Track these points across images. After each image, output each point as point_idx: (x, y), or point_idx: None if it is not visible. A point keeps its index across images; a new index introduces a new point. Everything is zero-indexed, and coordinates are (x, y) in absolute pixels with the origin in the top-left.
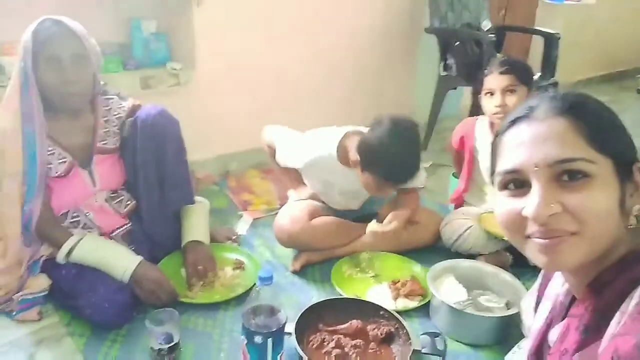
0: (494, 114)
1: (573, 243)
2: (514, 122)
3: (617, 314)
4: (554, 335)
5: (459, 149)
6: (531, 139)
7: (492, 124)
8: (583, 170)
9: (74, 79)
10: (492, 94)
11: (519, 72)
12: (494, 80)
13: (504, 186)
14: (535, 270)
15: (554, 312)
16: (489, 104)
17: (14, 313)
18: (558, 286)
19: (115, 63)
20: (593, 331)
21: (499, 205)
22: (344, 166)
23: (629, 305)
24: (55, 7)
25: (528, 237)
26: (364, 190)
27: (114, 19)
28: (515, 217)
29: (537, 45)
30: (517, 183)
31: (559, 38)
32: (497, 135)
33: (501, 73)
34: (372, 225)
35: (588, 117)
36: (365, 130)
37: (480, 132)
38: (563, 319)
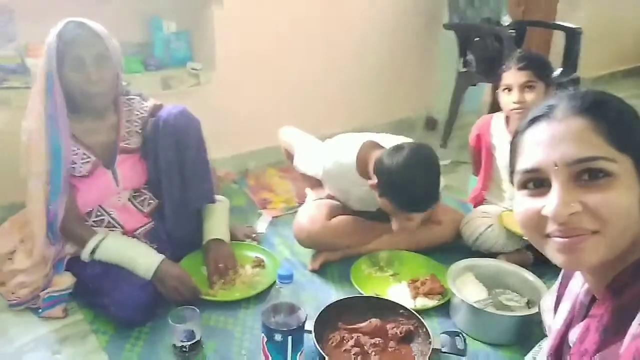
0: (512, 109)
1: (593, 242)
2: (533, 121)
3: (638, 315)
4: (573, 335)
5: (476, 146)
6: (550, 138)
7: (508, 120)
8: (603, 169)
9: (97, 80)
10: (510, 89)
11: (537, 68)
12: (512, 76)
13: (523, 185)
14: (557, 269)
15: (574, 312)
16: (507, 99)
17: (40, 310)
18: (578, 286)
19: (136, 63)
20: (613, 332)
21: (518, 205)
22: (362, 178)
23: None
24: (78, 9)
25: (547, 236)
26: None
27: (135, 19)
28: (534, 216)
29: (558, 40)
30: (536, 182)
31: (581, 33)
32: (517, 134)
33: (519, 69)
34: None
35: (608, 115)
36: (384, 138)
37: (497, 128)
38: (583, 319)
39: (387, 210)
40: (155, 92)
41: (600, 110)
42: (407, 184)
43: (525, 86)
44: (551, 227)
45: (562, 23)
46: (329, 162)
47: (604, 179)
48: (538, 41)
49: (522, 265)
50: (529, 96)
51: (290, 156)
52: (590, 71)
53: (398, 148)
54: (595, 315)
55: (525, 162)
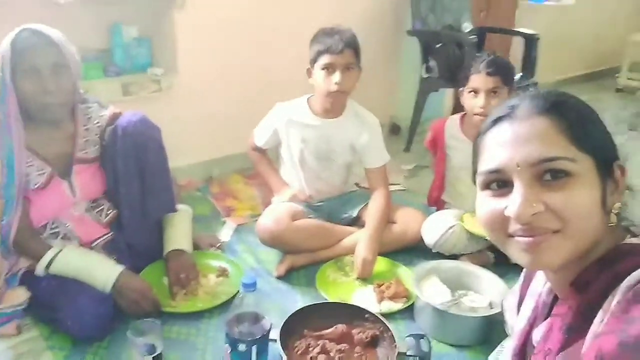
0: (477, 114)
1: (556, 241)
2: (495, 121)
3: (600, 312)
4: (537, 335)
5: (431, 148)
6: (513, 139)
7: (462, 122)
8: (565, 169)
9: (54, 89)
10: (476, 92)
11: (504, 74)
12: (480, 80)
13: (486, 186)
14: (517, 269)
15: (537, 312)
16: (473, 102)
17: None
18: (540, 285)
19: (95, 69)
20: (576, 330)
21: (481, 205)
22: (315, 116)
23: (612, 303)
24: (35, 15)
25: (510, 236)
26: (337, 150)
27: (95, 24)
28: (497, 217)
29: (517, 45)
30: (499, 183)
31: (539, 39)
32: (479, 134)
33: (488, 74)
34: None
35: (569, 115)
36: None
37: (451, 130)
38: (546, 318)
39: (319, 81)
40: (115, 98)
41: (561, 110)
42: (320, 31)
43: (492, 91)
44: (514, 227)
45: (521, 30)
46: (283, 109)
47: (566, 179)
48: (497, 47)
49: (483, 265)
50: (494, 101)
51: (255, 147)
52: (547, 76)
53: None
54: (559, 314)
55: (487, 163)
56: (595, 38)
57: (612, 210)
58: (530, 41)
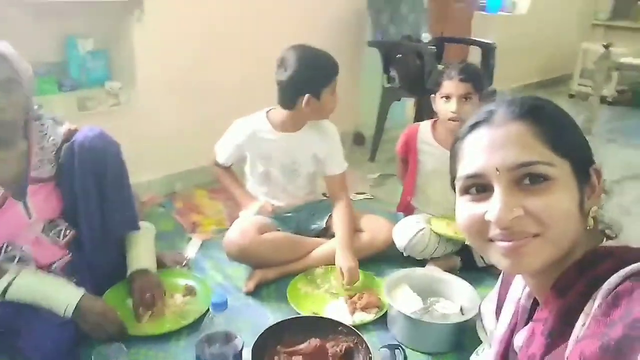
0: (450, 119)
1: (536, 245)
2: (473, 127)
3: (582, 316)
4: (519, 340)
5: (403, 154)
6: (491, 143)
7: (434, 128)
8: (543, 173)
9: (5, 106)
10: (448, 98)
11: (476, 81)
12: (453, 86)
13: (465, 191)
14: (484, 273)
15: (517, 317)
16: (446, 107)
17: None
18: (519, 290)
19: (50, 84)
20: (559, 334)
21: (460, 210)
22: (277, 132)
23: (592, 306)
24: None
25: (490, 240)
26: (301, 162)
27: (48, 37)
28: (477, 221)
29: (473, 55)
30: (478, 187)
31: (495, 47)
32: (456, 140)
33: (461, 80)
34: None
35: (546, 120)
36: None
37: (423, 135)
38: (526, 323)
39: (314, 108)
40: (71, 113)
41: (538, 115)
42: (317, 57)
43: (464, 97)
44: (494, 232)
45: (478, 39)
46: (244, 128)
47: (544, 183)
48: (455, 56)
49: (451, 270)
50: (466, 107)
51: (217, 164)
52: (504, 84)
53: (282, 58)
54: (540, 319)
55: (466, 168)
56: (548, 46)
57: (590, 214)
58: (488, 50)
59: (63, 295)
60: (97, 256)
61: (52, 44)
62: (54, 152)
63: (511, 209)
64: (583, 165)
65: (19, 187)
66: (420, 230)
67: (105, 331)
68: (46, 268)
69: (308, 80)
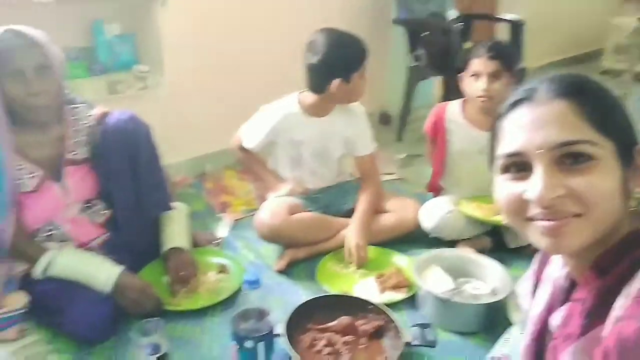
0: (479, 96)
1: (577, 225)
2: (514, 104)
3: (621, 297)
4: (555, 320)
5: (432, 134)
6: (532, 122)
7: (464, 107)
8: (586, 152)
9: (39, 91)
10: (477, 76)
11: (506, 58)
12: (482, 63)
13: (505, 169)
14: (515, 254)
15: (554, 297)
16: (475, 86)
17: None
18: (556, 270)
19: (80, 69)
20: (596, 315)
21: (499, 189)
22: (308, 116)
23: (632, 287)
24: (15, 16)
25: (530, 219)
26: (332, 146)
27: (75, 22)
28: (516, 200)
29: (501, 32)
30: (518, 166)
31: (524, 24)
32: (497, 118)
33: (490, 57)
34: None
35: (589, 98)
36: None
37: (452, 114)
38: (563, 303)
39: (344, 92)
40: (101, 97)
41: (581, 93)
42: (348, 41)
43: (493, 75)
44: (534, 211)
45: (506, 16)
46: (274, 114)
47: (587, 163)
48: (482, 34)
49: (482, 251)
50: (496, 85)
51: (243, 151)
52: (533, 61)
53: (314, 43)
54: (578, 299)
55: (507, 146)
56: (578, 21)
57: (632, 195)
58: (516, 27)
59: (102, 272)
60: (132, 235)
61: (79, 29)
62: (87, 135)
63: (553, 188)
64: (627, 146)
65: (55, 169)
66: (449, 212)
67: (143, 307)
68: (85, 246)
69: (338, 65)
